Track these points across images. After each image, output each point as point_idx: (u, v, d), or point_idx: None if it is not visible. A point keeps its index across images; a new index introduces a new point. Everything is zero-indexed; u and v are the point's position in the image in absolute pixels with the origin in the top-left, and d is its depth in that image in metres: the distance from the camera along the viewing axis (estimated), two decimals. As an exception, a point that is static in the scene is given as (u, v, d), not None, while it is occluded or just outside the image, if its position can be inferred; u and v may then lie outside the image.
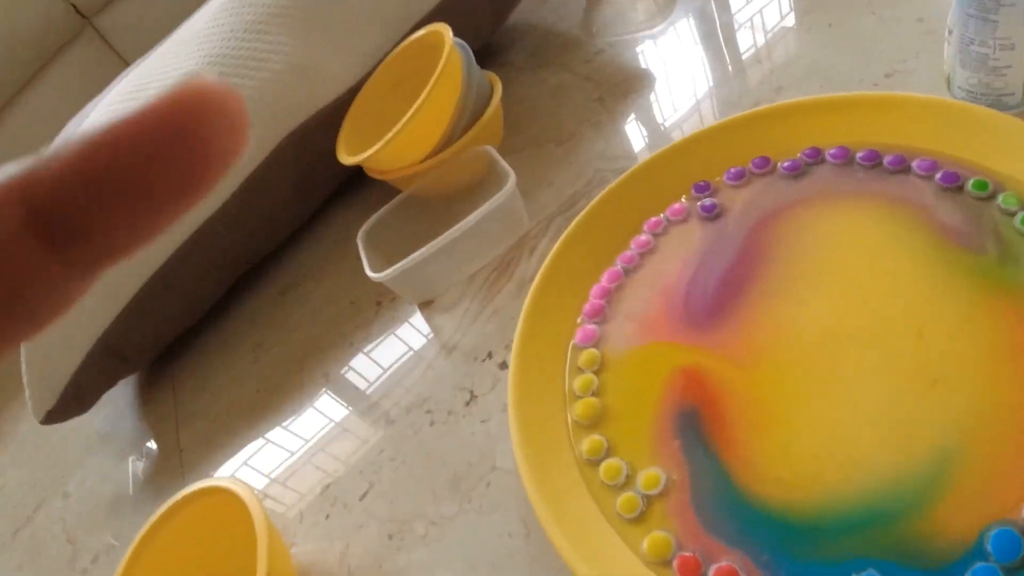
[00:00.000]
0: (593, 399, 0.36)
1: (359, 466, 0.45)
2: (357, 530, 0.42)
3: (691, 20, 0.62)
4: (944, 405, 0.30)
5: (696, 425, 0.33)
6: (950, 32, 0.41)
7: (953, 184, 0.37)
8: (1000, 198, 0.36)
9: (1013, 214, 0.35)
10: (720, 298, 0.37)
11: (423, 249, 0.46)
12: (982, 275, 0.34)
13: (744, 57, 0.56)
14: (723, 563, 0.29)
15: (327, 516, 0.44)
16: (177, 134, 0.10)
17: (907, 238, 0.36)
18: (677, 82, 0.56)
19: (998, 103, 0.40)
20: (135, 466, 0.59)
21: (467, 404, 0.43)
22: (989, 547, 0.26)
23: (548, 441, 0.35)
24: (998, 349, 0.31)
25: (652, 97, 0.57)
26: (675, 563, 0.30)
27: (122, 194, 0.10)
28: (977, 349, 0.31)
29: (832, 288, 0.36)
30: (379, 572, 0.40)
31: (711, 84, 0.54)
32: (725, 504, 0.30)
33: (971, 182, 0.37)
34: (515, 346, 0.38)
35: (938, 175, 0.38)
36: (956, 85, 0.42)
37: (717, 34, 0.60)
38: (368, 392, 0.49)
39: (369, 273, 0.47)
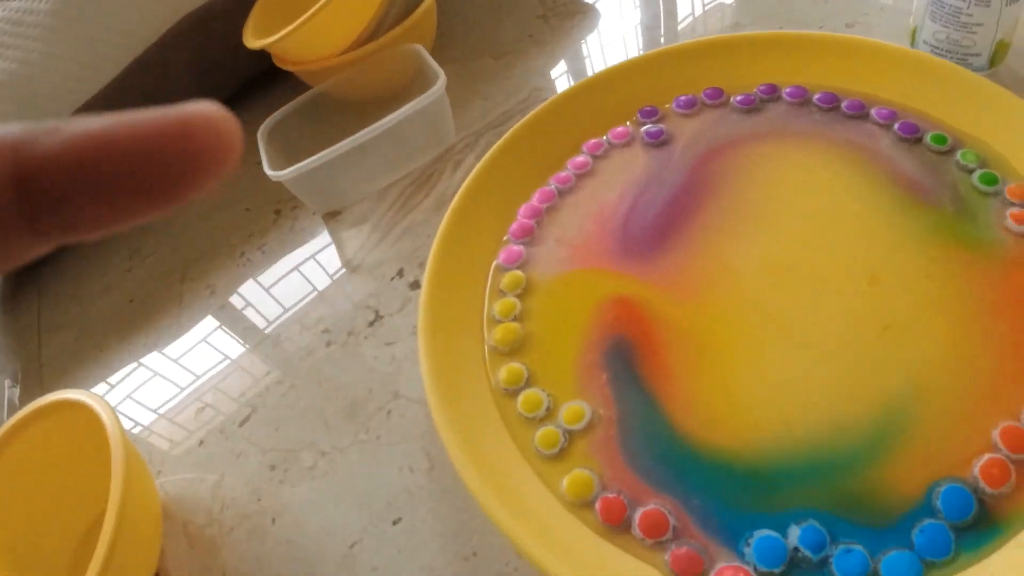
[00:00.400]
0: (515, 324, 0.32)
1: (241, 389, 0.40)
2: (235, 459, 0.37)
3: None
4: (895, 352, 0.28)
5: (627, 358, 0.30)
6: (923, -18, 0.39)
7: (911, 135, 0.36)
8: (959, 154, 0.35)
9: (971, 171, 0.34)
10: (661, 228, 0.34)
11: (333, 148, 0.40)
12: (937, 228, 0.32)
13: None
14: (650, 506, 0.26)
15: (200, 443, 0.38)
16: (172, 144, 0.10)
17: (862, 184, 0.34)
18: (629, 9, 0.52)
19: (963, 63, 0.39)
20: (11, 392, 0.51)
21: (371, 325, 0.38)
22: (938, 503, 0.25)
23: (461, 367, 0.31)
24: (952, 301, 0.29)
25: (600, 22, 0.53)
26: (597, 505, 0.27)
27: (107, 184, 0.10)
28: (931, 300, 0.29)
29: (782, 227, 0.33)
30: (257, 507, 0.35)
31: (664, 14, 0.51)
32: (656, 444, 0.27)
33: (930, 135, 0.36)
34: (430, 263, 0.34)
35: (896, 124, 0.36)
36: (922, 39, 0.41)
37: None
38: (258, 308, 0.44)
39: (268, 171, 0.41)
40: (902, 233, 0.32)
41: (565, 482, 0.27)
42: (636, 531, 0.26)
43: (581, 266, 0.34)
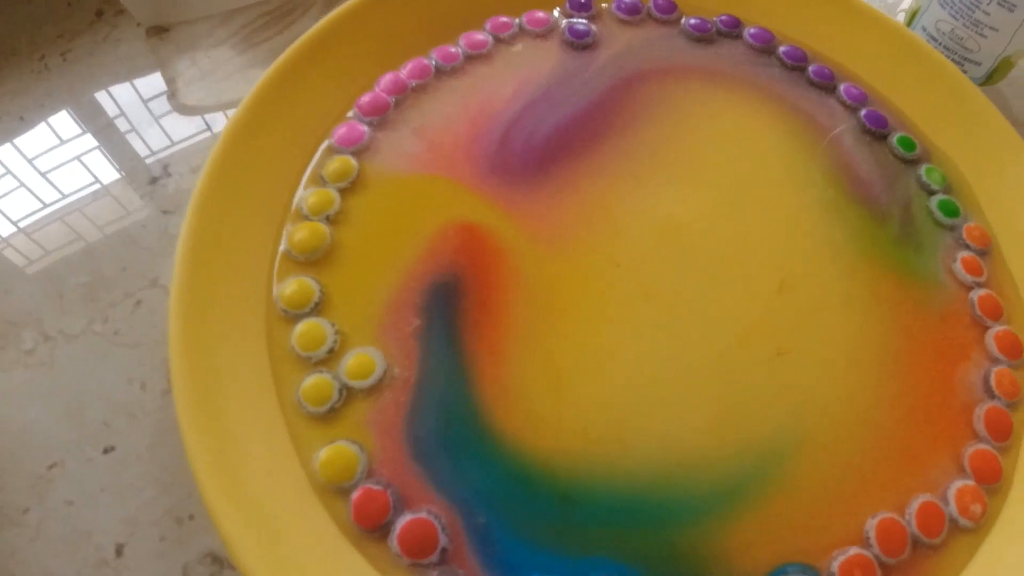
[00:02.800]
0: (324, 226, 0.24)
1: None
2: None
3: None
4: (783, 387, 0.21)
5: (451, 305, 0.22)
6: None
7: (877, 128, 0.29)
8: (923, 168, 0.28)
9: (932, 192, 0.28)
10: (549, 150, 0.26)
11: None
12: (874, 245, 0.26)
13: None
14: (421, 514, 0.19)
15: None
16: None
17: (804, 166, 0.27)
18: None
19: (957, 66, 0.32)
20: None
21: (152, 183, 0.29)
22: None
23: (233, 266, 0.23)
24: (868, 339, 0.23)
25: None
26: (354, 496, 0.19)
27: None
28: (842, 330, 0.23)
29: (694, 188, 0.26)
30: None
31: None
32: (451, 430, 0.20)
33: (897, 136, 0.29)
34: (235, 117, 0.24)
35: (864, 111, 0.29)
36: (921, 24, 0.33)
37: None
38: (29, 126, 0.33)
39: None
40: (833, 240, 0.25)
41: (322, 456, 0.20)
42: (393, 544, 0.19)
43: (434, 171, 0.25)
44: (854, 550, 0.19)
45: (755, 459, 0.20)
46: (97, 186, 0.29)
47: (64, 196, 0.29)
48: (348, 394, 0.21)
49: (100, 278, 0.27)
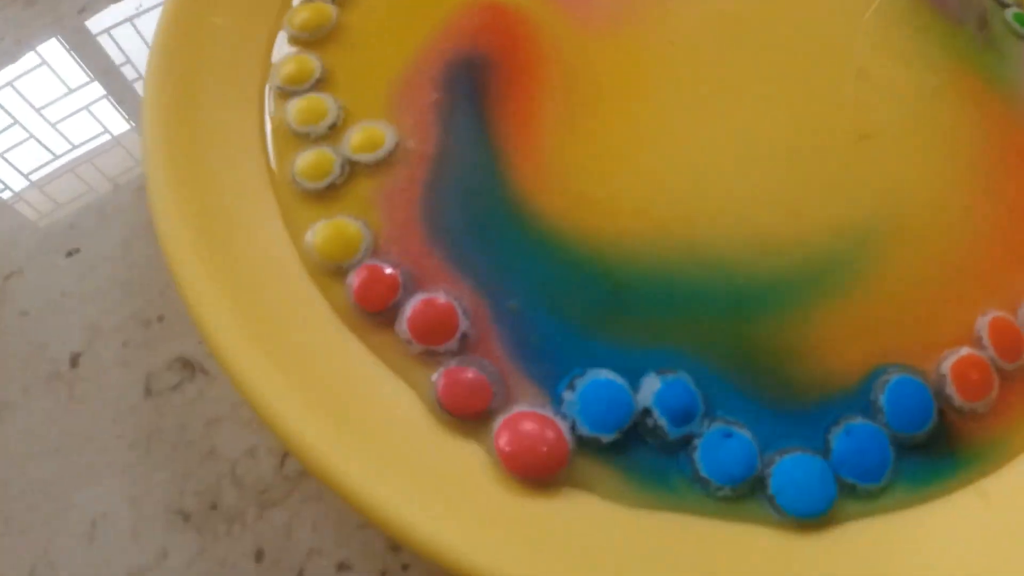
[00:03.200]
0: (328, 5, 0.20)
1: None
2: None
3: None
4: (872, 170, 0.18)
5: (476, 84, 0.18)
6: None
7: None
8: None
9: (1006, 6, 0.24)
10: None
11: None
12: (954, 44, 0.22)
13: None
14: (437, 294, 0.15)
15: None
16: None
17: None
18: None
19: None
20: None
21: None
22: (881, 400, 0.15)
23: (225, 43, 0.19)
24: (957, 131, 0.19)
25: None
26: (352, 276, 0.16)
27: None
28: (930, 119, 0.19)
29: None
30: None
31: None
32: (477, 206, 0.17)
33: None
34: None
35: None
36: None
37: None
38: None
39: None
40: (914, 36, 0.21)
41: (317, 229, 0.16)
42: (403, 328, 0.15)
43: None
44: (966, 350, 0.16)
45: (844, 243, 0.16)
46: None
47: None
48: (352, 169, 0.17)
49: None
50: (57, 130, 0.23)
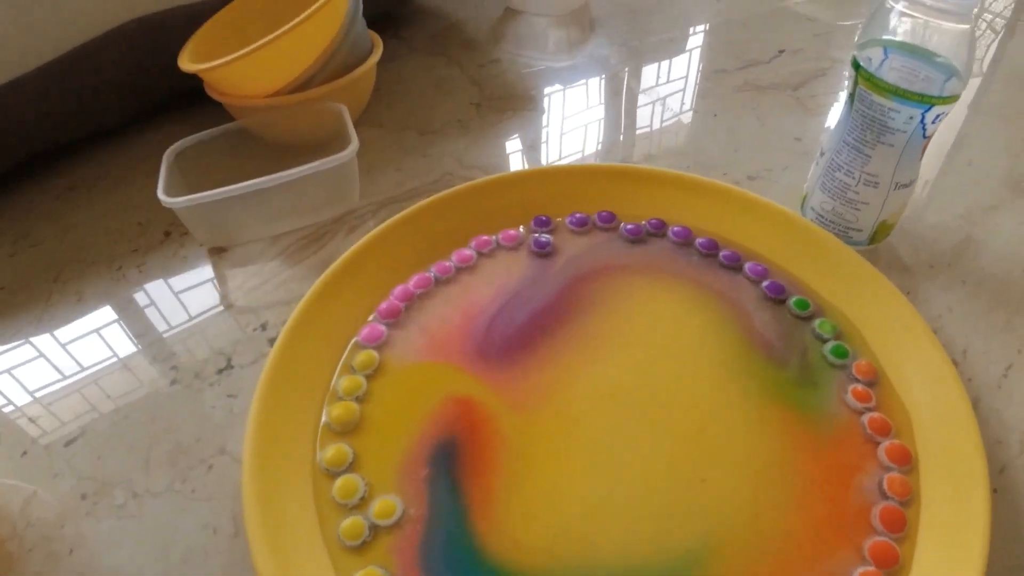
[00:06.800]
0: (354, 404, 0.32)
1: (76, 407, 0.38)
2: (51, 479, 0.35)
3: (596, 68, 0.61)
4: (704, 506, 0.29)
5: (451, 459, 0.30)
6: (821, 154, 0.41)
7: (777, 296, 0.38)
8: (817, 322, 0.36)
9: (824, 340, 0.35)
10: (521, 337, 0.35)
11: (232, 187, 0.40)
12: (777, 388, 0.33)
13: (624, 120, 0.55)
14: (430, 620, 0.26)
15: (24, 453, 0.37)
16: None
17: (718, 333, 0.36)
18: (555, 119, 0.55)
19: (844, 236, 0.41)
20: None
21: (219, 372, 0.37)
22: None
23: (288, 437, 0.31)
24: (773, 460, 0.30)
25: (528, 122, 0.55)
26: (381, 607, 0.26)
27: None
28: (754, 456, 0.30)
29: (632, 360, 0.34)
30: (59, 533, 0.33)
31: (586, 130, 0.53)
32: (454, 554, 0.27)
33: (794, 299, 0.37)
34: (288, 325, 0.34)
35: (766, 283, 0.38)
36: (809, 206, 0.43)
37: (603, 92, 0.59)
38: (115, 326, 0.42)
39: (161, 196, 0.41)
40: (744, 388, 0.33)
41: (357, 577, 0.27)
42: (412, 642, 0.26)
43: (435, 358, 0.34)
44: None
45: (680, 563, 0.27)
46: (177, 372, 0.38)
47: (150, 382, 0.38)
48: (375, 531, 0.28)
49: (179, 447, 0.34)
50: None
